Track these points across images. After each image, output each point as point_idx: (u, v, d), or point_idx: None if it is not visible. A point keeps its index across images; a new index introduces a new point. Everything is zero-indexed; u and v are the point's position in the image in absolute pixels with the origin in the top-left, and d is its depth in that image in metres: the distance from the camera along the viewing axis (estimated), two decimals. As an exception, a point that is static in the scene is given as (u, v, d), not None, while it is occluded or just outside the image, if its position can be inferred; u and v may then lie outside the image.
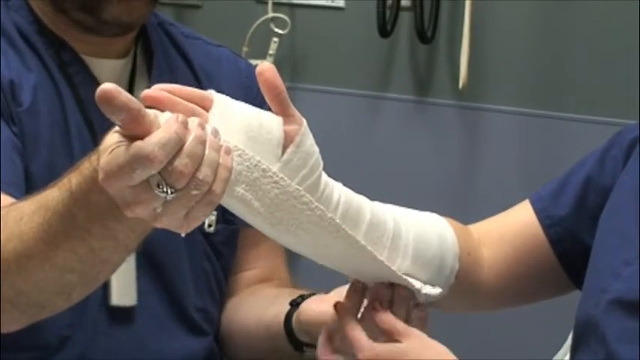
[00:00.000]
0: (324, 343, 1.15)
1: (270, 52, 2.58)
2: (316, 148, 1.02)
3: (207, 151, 0.89)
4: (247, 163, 0.96)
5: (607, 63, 2.41)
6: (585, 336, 1.09)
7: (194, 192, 0.88)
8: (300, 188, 0.99)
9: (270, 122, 0.99)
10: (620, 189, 1.16)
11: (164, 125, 0.88)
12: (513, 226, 1.28)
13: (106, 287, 1.33)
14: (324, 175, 1.04)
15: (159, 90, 0.94)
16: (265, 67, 0.98)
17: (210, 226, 1.39)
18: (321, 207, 1.01)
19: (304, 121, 1.01)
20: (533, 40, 2.49)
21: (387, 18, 2.53)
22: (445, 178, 2.57)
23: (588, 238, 1.19)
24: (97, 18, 1.34)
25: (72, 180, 1.01)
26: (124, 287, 1.34)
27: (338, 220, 1.04)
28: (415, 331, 1.12)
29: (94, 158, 0.95)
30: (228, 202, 0.97)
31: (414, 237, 1.14)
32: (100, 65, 1.39)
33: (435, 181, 2.53)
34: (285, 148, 0.99)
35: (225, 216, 1.41)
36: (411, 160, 2.58)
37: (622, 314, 1.05)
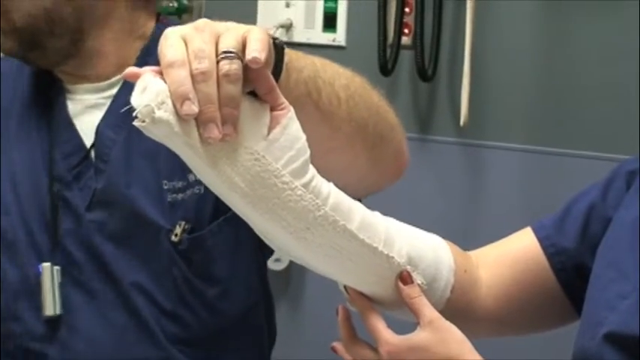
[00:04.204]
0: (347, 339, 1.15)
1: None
2: (303, 135, 1.02)
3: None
4: (230, 142, 0.96)
5: (609, 99, 2.42)
6: (582, 369, 1.09)
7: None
8: (280, 167, 0.99)
9: (255, 103, 0.99)
10: (617, 222, 1.16)
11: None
12: (514, 251, 1.27)
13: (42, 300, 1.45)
14: (313, 169, 1.04)
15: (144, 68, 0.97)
16: (259, 60, 0.96)
17: (176, 235, 1.43)
18: (301, 187, 1.01)
19: (292, 108, 1.01)
20: (533, 77, 2.50)
21: (388, 56, 2.55)
22: (447, 215, 2.57)
23: (592, 267, 1.19)
24: None
25: None
26: (49, 297, 1.45)
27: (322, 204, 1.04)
28: (437, 321, 1.11)
29: None
30: (211, 179, 0.98)
31: (408, 244, 1.13)
32: (76, 89, 1.49)
33: (436, 218, 2.53)
34: (271, 130, 0.99)
35: (193, 226, 1.44)
36: (413, 197, 2.59)
37: (617, 348, 1.05)
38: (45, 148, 1.46)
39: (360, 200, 1.13)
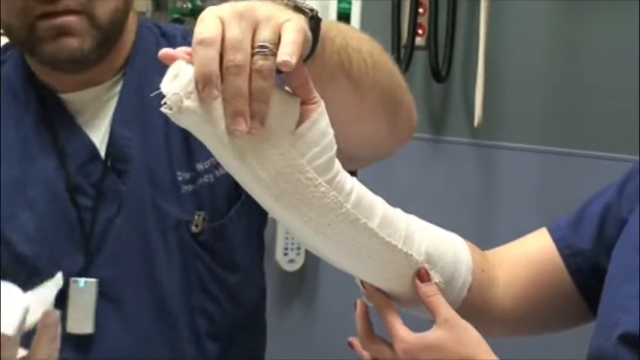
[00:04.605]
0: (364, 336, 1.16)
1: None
2: (331, 131, 1.01)
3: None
4: (257, 133, 0.96)
5: (624, 99, 2.41)
6: (598, 370, 1.09)
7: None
8: (305, 163, 0.99)
9: (286, 96, 0.99)
10: (631, 223, 1.16)
11: None
12: (530, 251, 1.27)
13: (64, 314, 1.36)
14: (338, 163, 1.04)
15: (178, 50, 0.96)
16: (289, 63, 0.95)
17: (196, 226, 1.41)
18: (325, 184, 1.01)
19: (322, 102, 1.01)
20: (547, 77, 2.49)
21: (402, 57, 2.55)
22: (461, 215, 2.57)
23: (607, 268, 1.19)
24: (41, 60, 1.38)
25: None
26: (79, 315, 1.38)
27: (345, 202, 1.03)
28: (453, 320, 1.11)
29: None
30: (235, 170, 0.98)
31: (428, 242, 1.13)
32: (77, 96, 1.43)
33: (450, 219, 2.52)
34: (299, 124, 0.99)
35: (211, 215, 1.43)
36: (427, 198, 2.58)
37: (633, 349, 1.05)
38: (55, 162, 1.41)
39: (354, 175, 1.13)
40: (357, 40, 1.16)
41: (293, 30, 0.95)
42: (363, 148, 1.23)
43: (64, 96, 1.44)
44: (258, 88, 0.93)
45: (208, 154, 1.00)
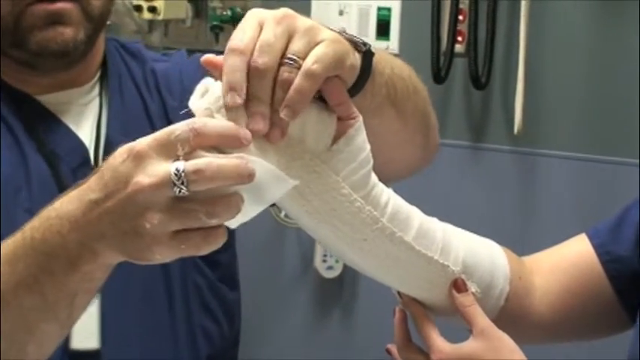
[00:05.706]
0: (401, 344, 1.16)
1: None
2: (367, 146, 1.00)
3: None
4: (290, 150, 0.96)
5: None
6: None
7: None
8: (340, 179, 0.99)
9: (323, 112, 0.98)
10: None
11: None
12: (569, 257, 1.27)
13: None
14: (374, 177, 1.03)
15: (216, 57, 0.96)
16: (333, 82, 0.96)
17: None
18: (360, 199, 1.01)
19: (360, 117, 1.00)
20: (588, 83, 2.48)
21: (442, 64, 2.55)
22: (501, 223, 2.56)
23: None
24: (27, 51, 1.32)
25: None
26: (84, 330, 1.30)
27: (380, 216, 1.03)
28: (489, 330, 1.11)
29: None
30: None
31: (465, 251, 1.13)
32: (55, 97, 1.38)
33: (490, 227, 2.51)
34: (336, 139, 0.98)
35: None
36: (466, 205, 2.58)
37: None
38: (45, 165, 1.33)
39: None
40: (399, 68, 1.15)
41: (324, 54, 0.94)
42: (398, 170, 1.23)
43: (40, 98, 1.37)
44: (280, 99, 0.92)
45: None
